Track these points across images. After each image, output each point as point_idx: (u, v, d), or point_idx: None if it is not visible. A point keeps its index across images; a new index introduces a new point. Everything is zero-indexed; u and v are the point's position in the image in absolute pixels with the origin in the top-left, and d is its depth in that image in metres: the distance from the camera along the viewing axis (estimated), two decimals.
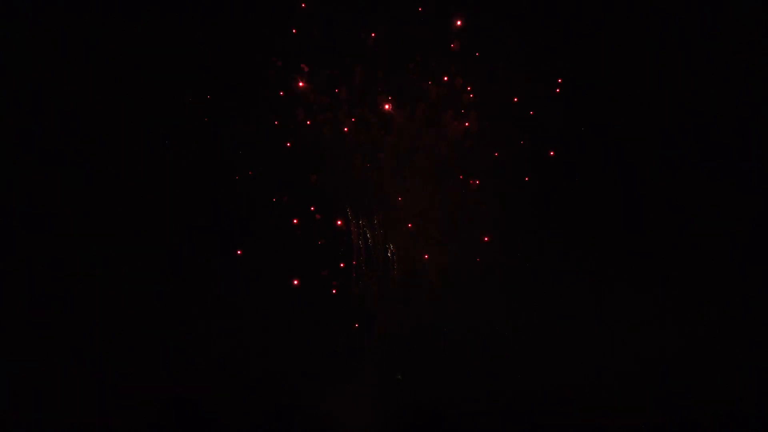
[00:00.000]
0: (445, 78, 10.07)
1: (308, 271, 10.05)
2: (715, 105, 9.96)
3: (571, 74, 9.92)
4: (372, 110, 10.17)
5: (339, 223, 10.15)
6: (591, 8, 9.92)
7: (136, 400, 9.04)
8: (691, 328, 9.75)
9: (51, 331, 9.52)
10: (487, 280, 9.94)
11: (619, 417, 9.25)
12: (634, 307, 9.84)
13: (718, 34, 9.91)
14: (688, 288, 9.90)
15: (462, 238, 10.12)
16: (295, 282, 9.96)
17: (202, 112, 9.95)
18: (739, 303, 9.82)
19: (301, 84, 10.06)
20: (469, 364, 9.59)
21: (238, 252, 9.95)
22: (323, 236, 10.18)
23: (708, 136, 9.96)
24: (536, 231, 10.04)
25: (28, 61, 9.65)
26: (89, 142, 9.76)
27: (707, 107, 9.94)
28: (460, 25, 9.95)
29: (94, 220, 9.79)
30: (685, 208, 9.97)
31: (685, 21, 9.84)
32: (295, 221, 10.09)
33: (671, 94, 9.98)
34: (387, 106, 10.11)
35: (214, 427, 8.59)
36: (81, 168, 9.82)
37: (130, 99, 9.74)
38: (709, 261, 9.87)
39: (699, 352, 9.63)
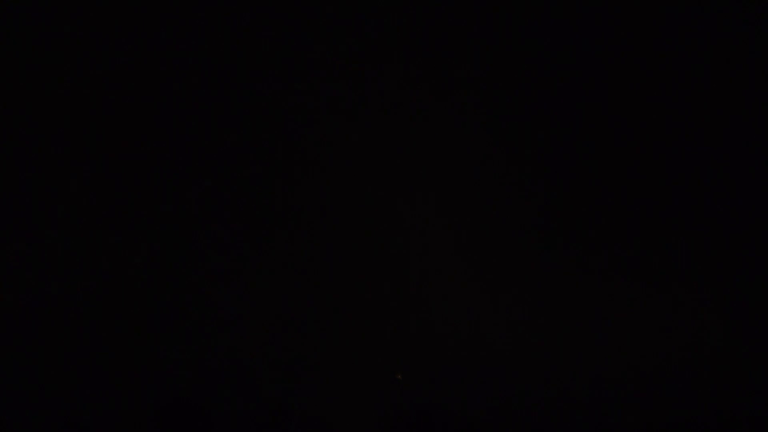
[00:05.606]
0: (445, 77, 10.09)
1: (309, 270, 10.05)
2: (713, 104, 9.96)
3: (571, 72, 9.94)
4: (378, 113, 10.18)
5: (340, 222, 10.15)
6: (590, 8, 9.94)
7: (135, 401, 9.04)
8: (693, 329, 9.74)
9: (50, 331, 9.52)
10: (487, 278, 9.93)
11: (620, 417, 9.24)
12: (635, 307, 9.82)
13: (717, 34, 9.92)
14: (690, 288, 9.89)
15: (462, 237, 10.11)
16: (296, 282, 9.94)
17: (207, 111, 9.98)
18: (742, 303, 9.80)
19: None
20: (469, 364, 9.57)
21: (238, 252, 9.95)
22: (325, 236, 10.18)
23: (714, 132, 9.96)
24: (537, 230, 10.04)
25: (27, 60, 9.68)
26: (92, 140, 9.80)
27: (706, 106, 9.94)
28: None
29: (94, 220, 9.79)
30: (687, 207, 9.97)
31: (683, 21, 9.86)
32: (295, 221, 10.09)
33: (670, 93, 9.99)
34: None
35: (213, 427, 8.57)
36: (80, 166, 9.84)
37: (133, 96, 9.77)
38: (712, 261, 9.86)
39: (701, 353, 9.61)
